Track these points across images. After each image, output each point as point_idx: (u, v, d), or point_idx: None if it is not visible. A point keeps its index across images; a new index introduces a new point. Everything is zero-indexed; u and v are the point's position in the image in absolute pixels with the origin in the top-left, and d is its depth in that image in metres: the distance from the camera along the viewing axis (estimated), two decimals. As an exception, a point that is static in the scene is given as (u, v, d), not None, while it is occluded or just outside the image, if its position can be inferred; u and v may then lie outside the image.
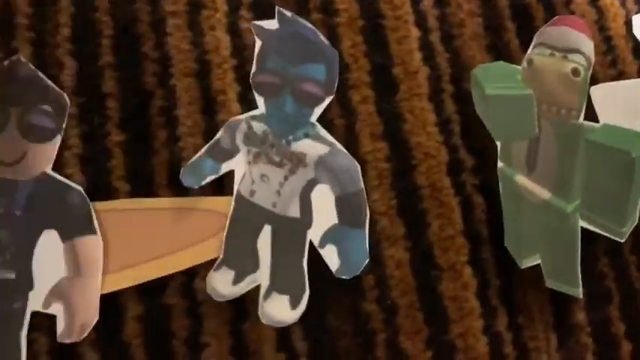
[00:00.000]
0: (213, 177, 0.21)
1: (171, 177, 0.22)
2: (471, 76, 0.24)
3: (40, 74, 0.20)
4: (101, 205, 0.21)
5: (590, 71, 0.23)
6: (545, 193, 0.24)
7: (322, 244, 0.21)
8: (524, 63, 0.23)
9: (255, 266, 0.21)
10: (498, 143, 0.24)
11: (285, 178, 0.21)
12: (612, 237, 0.23)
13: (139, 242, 0.20)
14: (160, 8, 0.24)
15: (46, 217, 0.20)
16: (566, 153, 0.24)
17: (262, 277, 0.21)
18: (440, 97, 0.24)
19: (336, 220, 0.21)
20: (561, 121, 0.24)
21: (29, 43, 0.23)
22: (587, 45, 0.23)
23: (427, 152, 0.24)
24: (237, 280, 0.21)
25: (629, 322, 0.24)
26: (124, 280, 0.20)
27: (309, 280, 0.21)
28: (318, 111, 0.21)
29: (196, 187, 0.21)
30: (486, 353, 0.22)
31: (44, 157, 0.20)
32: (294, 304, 0.20)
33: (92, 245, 0.20)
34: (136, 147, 0.22)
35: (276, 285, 0.21)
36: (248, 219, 0.21)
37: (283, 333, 0.21)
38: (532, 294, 0.23)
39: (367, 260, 0.21)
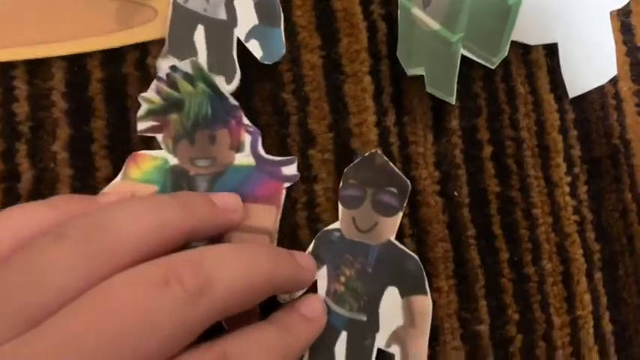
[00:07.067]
0: None
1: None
2: None
3: (390, 164, 0.25)
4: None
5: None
6: (435, 25, 0.29)
7: (247, 39, 0.26)
8: None
9: (194, 54, 0.26)
10: (402, -17, 0.29)
11: None
12: (485, 64, 0.29)
13: (89, 20, 0.25)
14: None
15: (389, 276, 0.25)
16: (456, -4, 0.30)
17: (201, 60, 0.26)
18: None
19: (257, 22, 0.26)
20: (456, -28, 0.29)
21: None
22: None
23: (344, -15, 0.29)
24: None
25: (492, 131, 0.29)
26: (79, 47, 0.25)
27: (240, 69, 0.26)
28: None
29: None
30: (376, 140, 0.27)
31: (390, 228, 0.25)
32: (228, 82, 0.26)
33: (424, 303, 0.25)
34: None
35: (213, 68, 0.26)
36: (184, 20, 0.26)
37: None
38: (417, 101, 0.28)
39: (284, 50, 0.26)
